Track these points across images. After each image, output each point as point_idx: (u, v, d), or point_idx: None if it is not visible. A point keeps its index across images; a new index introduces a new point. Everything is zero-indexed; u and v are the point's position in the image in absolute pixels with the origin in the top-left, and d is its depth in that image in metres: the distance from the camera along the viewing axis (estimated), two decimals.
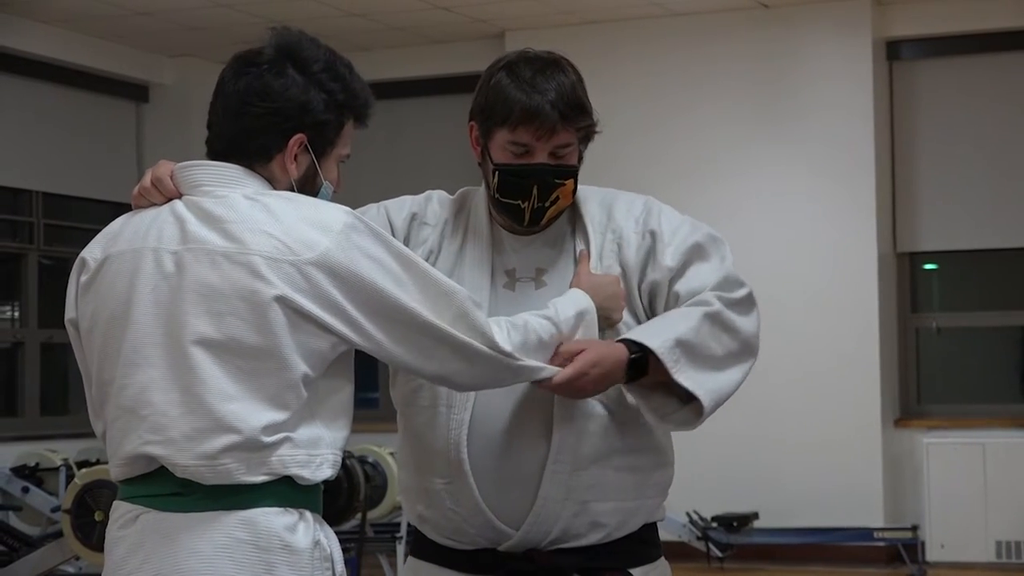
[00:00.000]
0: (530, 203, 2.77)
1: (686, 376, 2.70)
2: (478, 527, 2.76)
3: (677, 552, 9.08)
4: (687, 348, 2.70)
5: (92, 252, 2.55)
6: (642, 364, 2.69)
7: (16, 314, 10.42)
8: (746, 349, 2.81)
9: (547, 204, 2.78)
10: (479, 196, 2.91)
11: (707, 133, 9.87)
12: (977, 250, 9.81)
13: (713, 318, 2.75)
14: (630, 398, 2.77)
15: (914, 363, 9.90)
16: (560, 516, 2.73)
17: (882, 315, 9.55)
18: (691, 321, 2.73)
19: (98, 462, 8.75)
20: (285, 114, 2.50)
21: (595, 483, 2.74)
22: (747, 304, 2.82)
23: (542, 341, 2.62)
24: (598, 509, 2.75)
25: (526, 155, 2.76)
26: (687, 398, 2.74)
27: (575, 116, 2.75)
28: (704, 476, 9.29)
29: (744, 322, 2.80)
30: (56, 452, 9.30)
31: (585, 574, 2.76)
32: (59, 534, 7.43)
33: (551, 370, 2.64)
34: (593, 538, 2.76)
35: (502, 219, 2.85)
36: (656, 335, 2.70)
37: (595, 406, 2.74)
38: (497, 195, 2.79)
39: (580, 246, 2.84)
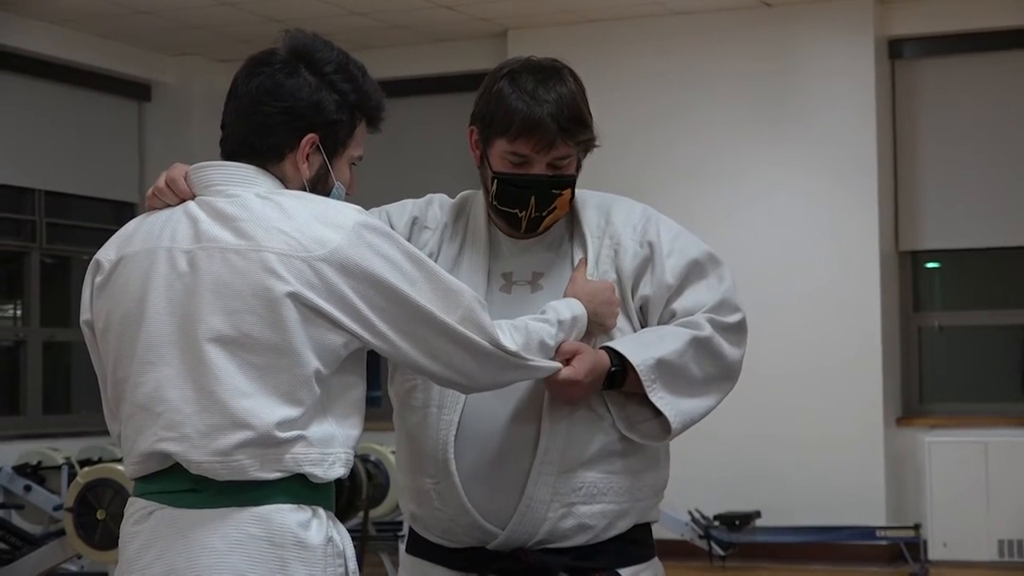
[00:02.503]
0: (527, 212, 2.80)
1: (659, 396, 2.74)
2: (465, 527, 2.78)
3: (679, 551, 9.09)
4: (667, 369, 2.74)
5: (106, 253, 2.57)
6: (621, 374, 2.73)
7: (18, 312, 10.43)
8: (726, 375, 2.85)
9: (544, 214, 2.80)
10: (478, 200, 2.93)
11: (709, 132, 9.87)
12: (979, 249, 9.81)
13: (700, 343, 2.78)
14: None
15: (916, 362, 9.90)
16: (546, 518, 2.75)
17: (884, 314, 9.55)
18: (677, 343, 2.76)
19: (100, 460, 8.76)
20: (297, 113, 2.52)
21: (582, 486, 2.76)
22: (737, 331, 2.85)
23: (543, 342, 2.65)
24: (585, 511, 2.77)
25: (524, 165, 2.77)
26: (658, 412, 2.77)
27: (574, 129, 2.76)
28: (706, 475, 9.29)
29: (730, 349, 2.83)
30: (58, 450, 9.32)
31: (573, 573, 2.78)
32: (61, 532, 7.44)
33: (553, 367, 2.66)
34: (580, 539, 2.78)
35: (500, 224, 2.86)
36: (640, 351, 2.73)
37: (584, 410, 2.76)
38: (495, 203, 2.81)
39: (578, 251, 2.86)
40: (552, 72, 2.79)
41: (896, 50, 9.85)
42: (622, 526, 2.81)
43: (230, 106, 2.57)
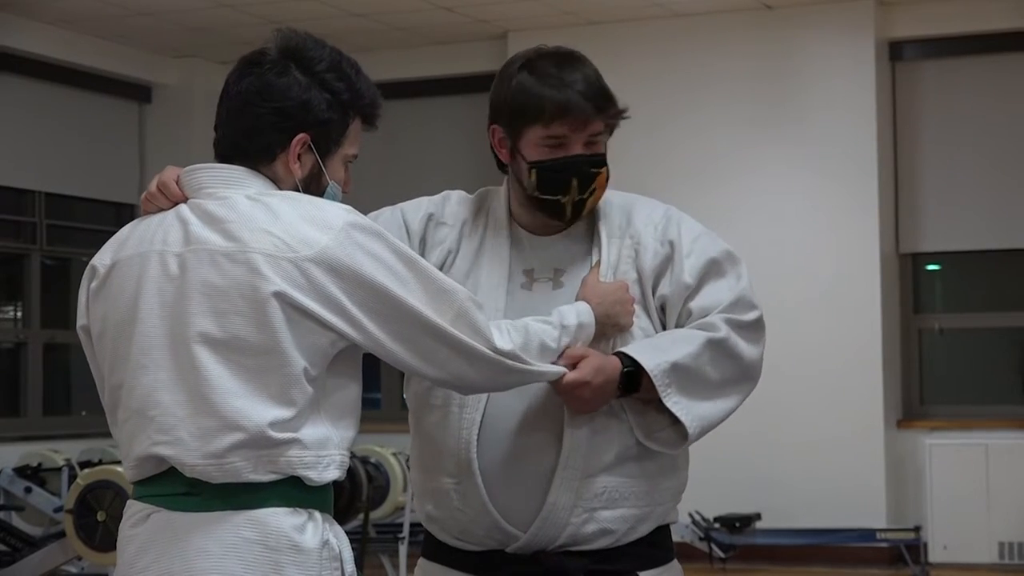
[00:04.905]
0: (570, 196, 2.78)
1: (674, 401, 2.71)
2: (486, 528, 2.76)
3: (679, 553, 9.01)
4: (682, 373, 2.71)
5: (102, 258, 2.56)
6: (635, 379, 2.70)
7: (19, 314, 10.43)
8: (745, 376, 2.82)
9: (586, 196, 2.79)
10: (499, 196, 2.92)
11: (710, 134, 9.87)
12: (980, 251, 9.81)
13: (716, 344, 2.75)
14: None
15: (916, 364, 9.89)
16: (568, 523, 2.73)
17: (884, 316, 9.55)
18: (692, 346, 2.73)
19: (100, 462, 8.76)
20: (287, 113, 2.51)
21: (603, 491, 2.74)
22: (755, 329, 2.82)
23: (544, 344, 2.63)
24: (606, 516, 2.75)
25: (561, 147, 2.77)
26: (675, 419, 2.75)
27: (605, 104, 2.78)
28: (707, 477, 9.22)
29: (748, 348, 2.80)
30: (59, 452, 9.32)
31: None
32: (61, 534, 7.44)
33: (556, 371, 2.64)
34: (601, 543, 2.76)
35: (539, 216, 2.84)
36: (653, 355, 2.71)
37: (608, 415, 2.74)
38: (537, 193, 2.79)
39: (597, 249, 2.84)
40: (568, 55, 2.82)
41: (897, 52, 9.84)
42: (643, 530, 2.80)
43: (221, 107, 2.56)
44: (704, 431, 2.75)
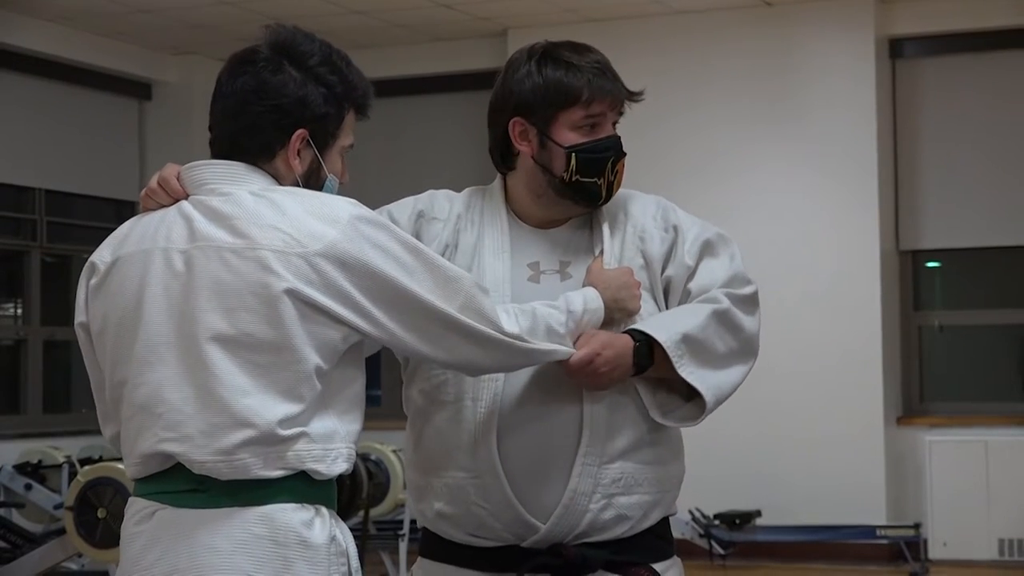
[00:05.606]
0: (605, 178, 2.83)
1: (689, 371, 2.74)
2: (506, 522, 2.76)
3: (679, 549, 9.01)
4: (693, 344, 2.75)
5: (101, 255, 2.56)
6: (647, 354, 2.73)
7: (19, 311, 10.43)
8: (748, 349, 2.86)
9: (613, 178, 2.84)
10: (492, 192, 2.92)
11: (710, 131, 9.87)
12: (980, 248, 9.81)
13: (720, 316, 2.79)
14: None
15: (916, 361, 9.90)
16: (588, 509, 2.75)
17: (884, 313, 9.55)
18: (699, 317, 2.77)
19: (100, 459, 8.76)
20: (284, 110, 2.51)
21: (621, 476, 2.77)
22: (752, 303, 2.87)
23: (551, 328, 2.64)
24: (623, 502, 2.77)
25: (597, 128, 2.83)
26: (689, 396, 2.79)
27: (624, 86, 2.86)
28: (707, 474, 9.27)
29: (748, 321, 2.85)
30: (59, 449, 9.32)
31: (611, 568, 2.77)
32: (61, 531, 7.43)
33: (565, 351, 2.66)
34: (618, 531, 2.78)
35: (565, 204, 2.85)
36: (663, 328, 2.74)
37: (623, 399, 2.77)
38: (578, 176, 2.81)
39: (599, 239, 2.88)
40: (580, 44, 2.87)
41: (897, 49, 9.84)
42: (654, 517, 2.83)
43: (216, 107, 2.56)
44: (718, 402, 2.79)
